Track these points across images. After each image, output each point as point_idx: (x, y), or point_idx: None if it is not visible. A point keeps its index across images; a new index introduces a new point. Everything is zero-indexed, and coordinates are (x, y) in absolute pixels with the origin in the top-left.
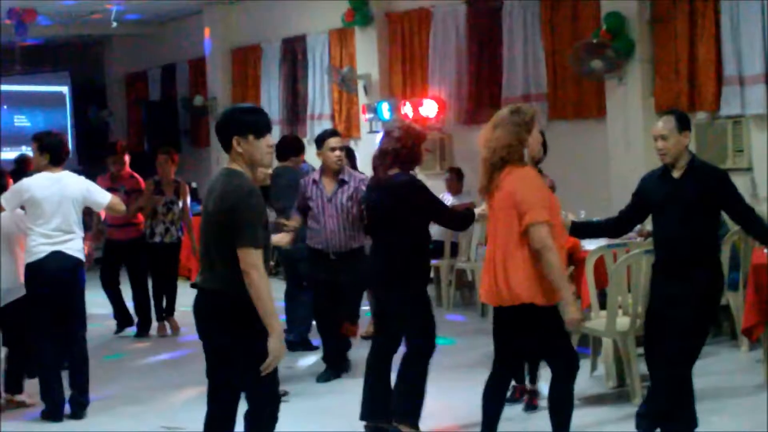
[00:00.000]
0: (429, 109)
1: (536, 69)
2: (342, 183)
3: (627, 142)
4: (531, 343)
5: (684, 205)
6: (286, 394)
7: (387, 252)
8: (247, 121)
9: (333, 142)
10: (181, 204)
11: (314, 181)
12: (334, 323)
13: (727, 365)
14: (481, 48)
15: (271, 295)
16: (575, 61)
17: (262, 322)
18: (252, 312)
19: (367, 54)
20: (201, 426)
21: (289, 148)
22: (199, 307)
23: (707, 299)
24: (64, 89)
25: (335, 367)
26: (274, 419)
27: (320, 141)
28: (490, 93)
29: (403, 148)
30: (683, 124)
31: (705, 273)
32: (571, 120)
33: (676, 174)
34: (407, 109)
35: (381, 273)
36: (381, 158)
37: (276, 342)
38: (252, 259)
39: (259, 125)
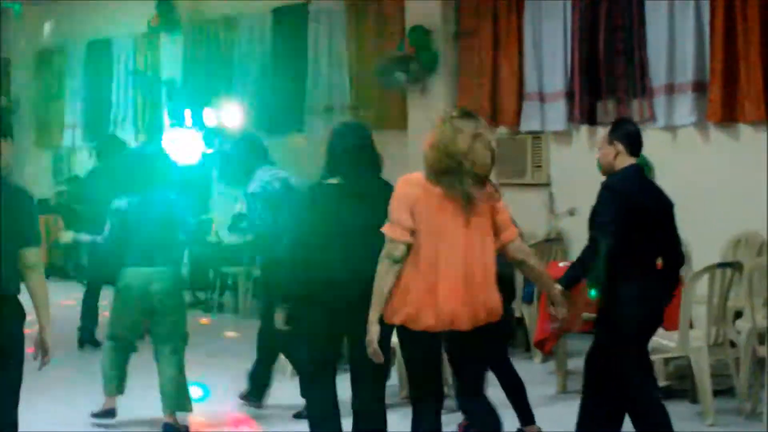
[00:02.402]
0: (231, 115)
1: (340, 79)
2: None
3: None
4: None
5: None
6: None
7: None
8: None
9: None
10: None
11: None
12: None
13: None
14: (286, 57)
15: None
16: (379, 73)
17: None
18: None
19: (172, 59)
20: None
21: (114, 148)
22: None
23: None
24: None
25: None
26: None
27: None
28: (294, 102)
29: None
30: None
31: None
32: (374, 131)
33: None
34: (210, 116)
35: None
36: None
37: None
38: None
39: None
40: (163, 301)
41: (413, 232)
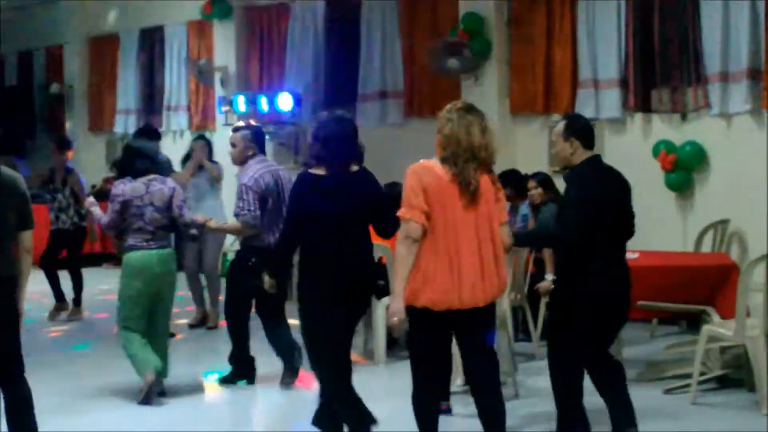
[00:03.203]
0: (284, 102)
1: (393, 66)
2: None
3: None
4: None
5: None
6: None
7: (361, 253)
8: None
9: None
10: (67, 192)
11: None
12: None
13: None
14: (339, 43)
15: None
16: (432, 59)
17: None
18: None
19: (224, 46)
20: None
21: (147, 136)
22: None
23: None
24: None
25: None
26: None
27: None
28: (347, 89)
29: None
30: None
31: None
32: (427, 118)
33: None
34: (263, 102)
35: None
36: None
37: None
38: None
39: None
40: (168, 282)
41: (428, 216)
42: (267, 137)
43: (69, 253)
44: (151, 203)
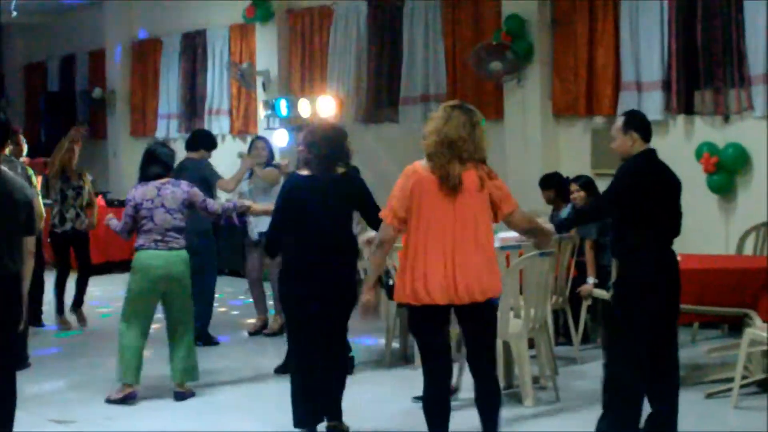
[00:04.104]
0: (327, 106)
1: (436, 69)
2: None
3: (525, 143)
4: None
5: None
6: None
7: (341, 250)
8: None
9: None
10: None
11: None
12: None
13: None
14: (382, 47)
15: None
16: (475, 62)
17: None
18: None
19: (266, 50)
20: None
21: (204, 141)
22: None
23: None
24: None
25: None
26: None
27: None
28: (389, 92)
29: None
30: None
31: None
32: None
33: None
34: (304, 106)
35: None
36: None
37: None
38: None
39: None
40: (181, 282)
41: (403, 220)
42: None
43: (85, 255)
44: (162, 205)
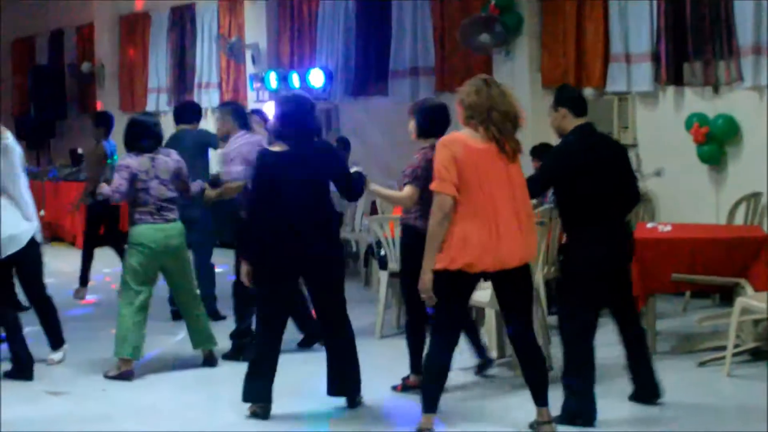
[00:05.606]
0: (316, 79)
1: (425, 42)
2: None
3: None
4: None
5: None
6: None
7: (318, 224)
8: None
9: None
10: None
11: None
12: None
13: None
14: (370, 20)
15: None
16: (463, 35)
17: None
18: None
19: (255, 23)
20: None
21: (190, 112)
22: None
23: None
24: None
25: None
26: None
27: None
28: (378, 65)
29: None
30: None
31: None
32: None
33: None
34: (294, 79)
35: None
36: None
37: None
38: None
39: None
40: (178, 253)
41: (458, 188)
42: None
43: (108, 228)
44: (156, 176)
